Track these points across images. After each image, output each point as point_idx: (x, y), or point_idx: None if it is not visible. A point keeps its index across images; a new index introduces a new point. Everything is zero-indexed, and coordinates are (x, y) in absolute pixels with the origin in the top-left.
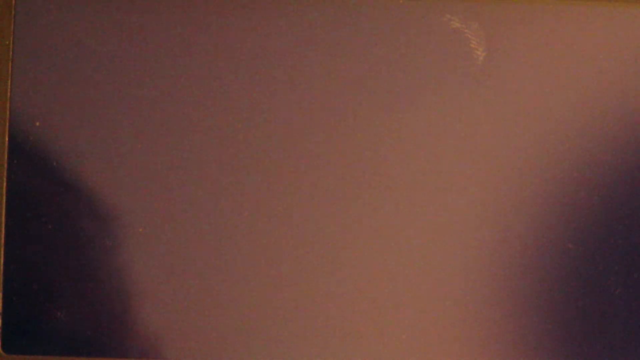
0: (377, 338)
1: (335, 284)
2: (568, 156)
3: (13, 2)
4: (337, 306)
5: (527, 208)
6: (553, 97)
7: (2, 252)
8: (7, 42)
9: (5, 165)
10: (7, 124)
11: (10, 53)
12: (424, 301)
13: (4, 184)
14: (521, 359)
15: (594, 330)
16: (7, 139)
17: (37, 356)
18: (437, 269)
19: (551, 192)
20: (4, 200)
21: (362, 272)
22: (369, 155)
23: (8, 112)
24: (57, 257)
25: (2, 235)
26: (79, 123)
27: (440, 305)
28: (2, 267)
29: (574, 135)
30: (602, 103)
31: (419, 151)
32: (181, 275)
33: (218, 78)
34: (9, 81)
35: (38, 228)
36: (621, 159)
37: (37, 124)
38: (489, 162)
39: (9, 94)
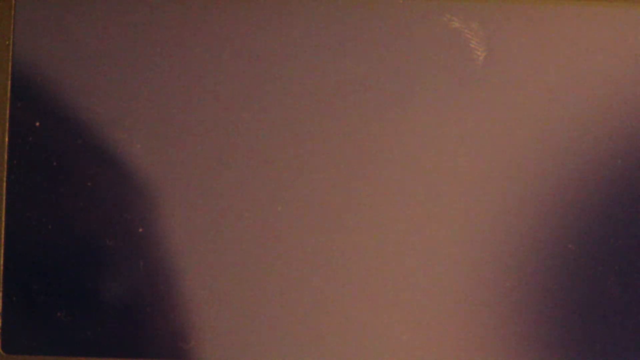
0: (377, 338)
1: (335, 284)
2: (568, 156)
3: (13, 2)
4: (337, 306)
5: (527, 208)
6: (553, 97)
7: (2, 252)
8: (7, 42)
9: (5, 165)
10: (7, 124)
11: (10, 53)
12: (424, 301)
13: (4, 184)
14: (521, 359)
15: (594, 330)
16: (7, 139)
17: (37, 356)
18: (437, 269)
19: (551, 193)
20: (4, 200)
21: (363, 272)
22: (369, 155)
23: (8, 112)
24: (57, 257)
25: (2, 235)
26: (79, 123)
27: (440, 305)
28: (2, 267)
29: (574, 135)
30: (602, 103)
31: (419, 151)
32: (181, 275)
33: (218, 78)
34: (9, 81)
35: (38, 228)
36: (621, 159)
37: (37, 124)
38: (489, 162)
39: (9, 94)
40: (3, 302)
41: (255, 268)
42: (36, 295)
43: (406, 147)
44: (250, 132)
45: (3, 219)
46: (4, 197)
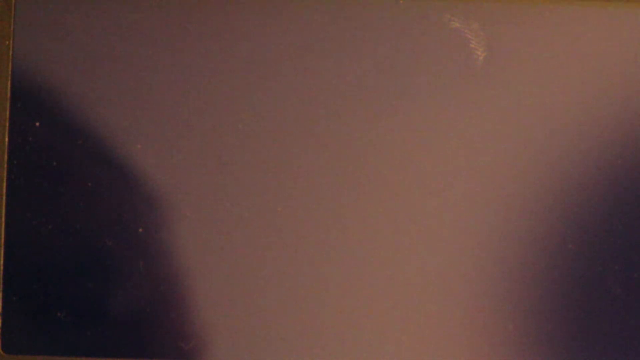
0: (377, 338)
1: (334, 284)
2: (568, 156)
3: (13, 2)
4: (337, 306)
5: (527, 209)
6: (553, 97)
7: (2, 252)
8: (7, 42)
9: (5, 165)
10: (7, 124)
11: (10, 53)
12: (424, 301)
13: (4, 184)
14: (521, 359)
15: (594, 330)
16: (7, 139)
17: (37, 356)
18: (437, 270)
19: (551, 193)
20: (4, 200)
21: (363, 272)
22: (369, 155)
23: (8, 112)
24: (57, 257)
25: (2, 235)
26: (79, 123)
27: (440, 305)
28: (2, 267)
29: (574, 135)
30: (602, 103)
31: (418, 151)
32: (181, 275)
33: (218, 78)
34: (9, 81)
35: (38, 228)
36: (621, 159)
37: (37, 124)
38: (489, 163)
39: (9, 94)
40: (3, 302)
41: (255, 268)
42: (36, 295)
43: (406, 147)
44: (250, 133)
45: (3, 219)
46: (4, 197)
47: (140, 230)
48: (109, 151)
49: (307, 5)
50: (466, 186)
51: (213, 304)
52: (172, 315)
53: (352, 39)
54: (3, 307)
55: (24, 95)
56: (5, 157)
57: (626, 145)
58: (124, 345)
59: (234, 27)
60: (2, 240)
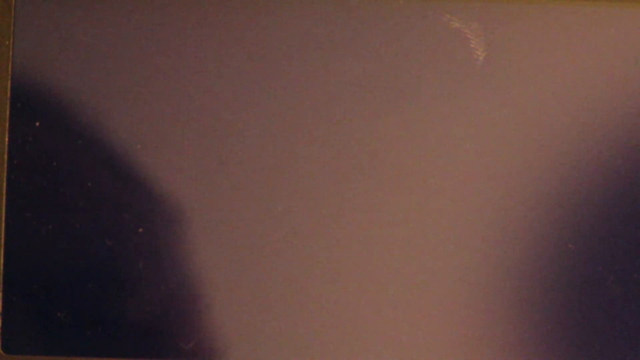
0: (377, 338)
1: (335, 284)
2: (568, 156)
3: (13, 2)
4: (337, 307)
5: (527, 208)
6: (553, 97)
7: (2, 252)
8: (7, 42)
9: (5, 165)
10: (7, 124)
11: (10, 53)
12: (424, 301)
13: (4, 184)
14: (521, 359)
15: (594, 330)
16: (7, 139)
17: (37, 356)
18: (437, 270)
19: (551, 193)
20: (4, 200)
21: (363, 272)
22: (369, 155)
23: (8, 112)
24: (57, 257)
25: (2, 235)
26: (79, 123)
27: (440, 305)
28: (2, 267)
29: (574, 135)
30: (602, 103)
31: (418, 151)
32: (180, 275)
33: (219, 78)
34: (9, 81)
35: (38, 228)
36: (621, 158)
37: (37, 124)
38: (488, 162)
39: (9, 94)
40: (3, 302)
41: (255, 268)
42: (36, 295)
43: (406, 147)
44: (251, 132)
45: (3, 219)
46: (4, 197)
47: (140, 230)
48: (109, 151)
49: (308, 6)
50: (466, 186)
51: (213, 304)
52: (172, 315)
53: (352, 39)
54: (3, 307)
55: (24, 95)
56: (5, 157)
57: (626, 145)
58: (123, 345)
59: (234, 27)
60: (2, 240)
